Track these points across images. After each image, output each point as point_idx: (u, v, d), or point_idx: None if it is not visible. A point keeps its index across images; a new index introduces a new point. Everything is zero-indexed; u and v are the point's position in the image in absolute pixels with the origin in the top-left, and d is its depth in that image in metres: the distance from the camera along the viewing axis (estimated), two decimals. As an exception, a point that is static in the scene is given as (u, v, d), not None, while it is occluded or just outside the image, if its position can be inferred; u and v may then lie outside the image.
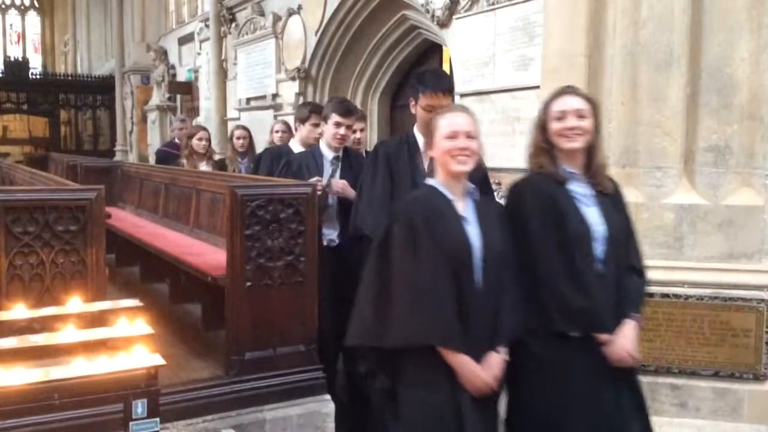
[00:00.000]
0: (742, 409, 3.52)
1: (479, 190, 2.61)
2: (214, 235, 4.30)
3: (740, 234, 3.55)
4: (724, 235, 3.55)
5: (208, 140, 6.10)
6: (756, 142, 3.54)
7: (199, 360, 3.55)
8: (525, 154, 2.70)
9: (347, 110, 4.07)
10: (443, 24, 5.78)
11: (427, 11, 5.96)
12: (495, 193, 4.90)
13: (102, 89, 18.83)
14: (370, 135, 7.63)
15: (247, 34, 9.13)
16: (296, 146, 4.64)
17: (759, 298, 3.49)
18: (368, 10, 7.05)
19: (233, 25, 9.62)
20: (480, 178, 3.40)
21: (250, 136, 6.21)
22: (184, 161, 5.94)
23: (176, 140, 7.18)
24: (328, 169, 4.07)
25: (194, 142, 5.92)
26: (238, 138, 6.15)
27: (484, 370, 2.38)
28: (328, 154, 4.08)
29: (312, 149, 4.25)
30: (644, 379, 3.54)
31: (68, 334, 2.04)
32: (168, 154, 7.09)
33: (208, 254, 4.00)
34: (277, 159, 4.58)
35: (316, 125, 4.44)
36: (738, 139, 3.54)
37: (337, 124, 4.00)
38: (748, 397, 3.51)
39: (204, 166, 6.01)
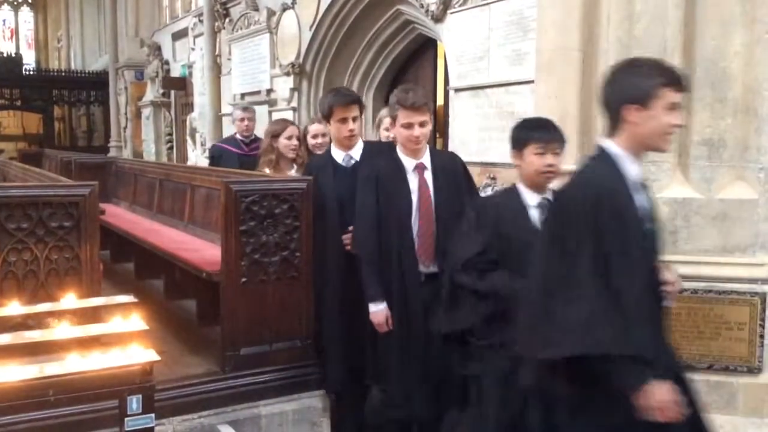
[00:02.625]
0: (737, 402, 3.53)
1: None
2: (209, 231, 4.29)
3: (734, 227, 3.56)
4: (718, 229, 3.56)
5: (299, 138, 4.50)
6: (750, 136, 3.55)
7: (194, 356, 3.55)
8: None
9: (413, 103, 3.18)
10: (438, 19, 5.76)
11: (422, 6, 5.95)
12: (489, 188, 4.92)
13: (96, 85, 18.75)
14: (364, 130, 7.63)
15: (241, 29, 9.10)
16: (337, 152, 3.64)
17: (753, 291, 3.50)
18: (362, 4, 7.03)
19: (227, 20, 9.59)
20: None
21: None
22: (267, 169, 4.35)
23: (237, 136, 5.80)
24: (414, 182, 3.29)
25: (282, 142, 4.36)
26: (315, 136, 4.44)
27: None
28: (408, 164, 3.29)
29: (385, 159, 3.40)
30: (639, 373, 3.57)
31: (63, 330, 2.04)
32: (224, 152, 5.70)
33: (202, 250, 3.99)
34: (345, 174, 3.57)
35: (344, 120, 3.54)
36: (732, 133, 3.54)
37: (409, 125, 3.19)
38: (742, 390, 3.52)
39: (294, 175, 4.40)
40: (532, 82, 4.14)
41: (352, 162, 3.59)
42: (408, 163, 3.28)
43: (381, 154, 3.52)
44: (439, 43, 6.44)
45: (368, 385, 3.52)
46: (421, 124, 3.18)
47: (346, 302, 3.45)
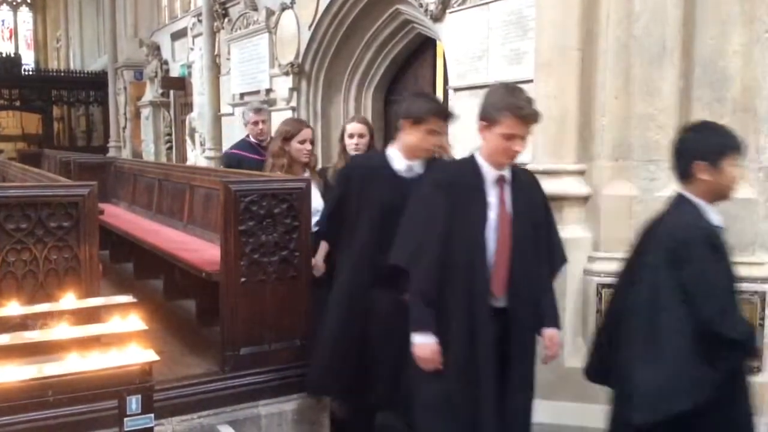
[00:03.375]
0: (736, 400, 3.53)
1: None
2: (209, 231, 4.29)
3: (734, 227, 3.55)
4: (717, 228, 3.56)
5: (312, 142, 4.26)
6: (749, 135, 3.55)
7: (193, 356, 3.55)
8: None
9: (529, 115, 2.74)
10: (437, 18, 5.76)
11: (421, 5, 5.95)
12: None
13: (95, 85, 18.74)
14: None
15: (240, 29, 9.10)
16: (400, 159, 3.19)
17: (753, 291, 3.51)
18: (361, 4, 7.03)
19: (226, 20, 9.59)
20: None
21: (371, 134, 4.28)
22: (278, 172, 4.06)
23: (251, 139, 5.27)
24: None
25: (295, 146, 4.08)
26: (352, 135, 4.18)
27: None
28: (489, 173, 2.80)
29: (458, 164, 3.05)
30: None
31: (62, 330, 2.04)
32: (241, 159, 5.10)
33: (202, 250, 3.99)
34: (399, 184, 3.14)
35: (433, 132, 3.11)
36: (731, 132, 3.55)
37: (511, 136, 2.69)
38: (741, 388, 3.52)
39: None
40: (531, 81, 4.14)
41: (414, 173, 3.16)
42: (489, 172, 2.78)
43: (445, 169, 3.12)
44: (438, 42, 6.44)
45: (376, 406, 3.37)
46: (524, 138, 2.72)
47: (356, 311, 3.25)
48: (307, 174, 4.08)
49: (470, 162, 2.80)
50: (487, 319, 2.70)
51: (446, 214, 2.72)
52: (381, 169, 3.19)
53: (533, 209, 2.83)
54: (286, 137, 4.08)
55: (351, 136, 4.16)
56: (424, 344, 2.72)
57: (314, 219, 4.03)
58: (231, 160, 5.25)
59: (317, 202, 4.05)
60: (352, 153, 4.11)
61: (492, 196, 2.75)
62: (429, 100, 3.22)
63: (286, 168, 4.06)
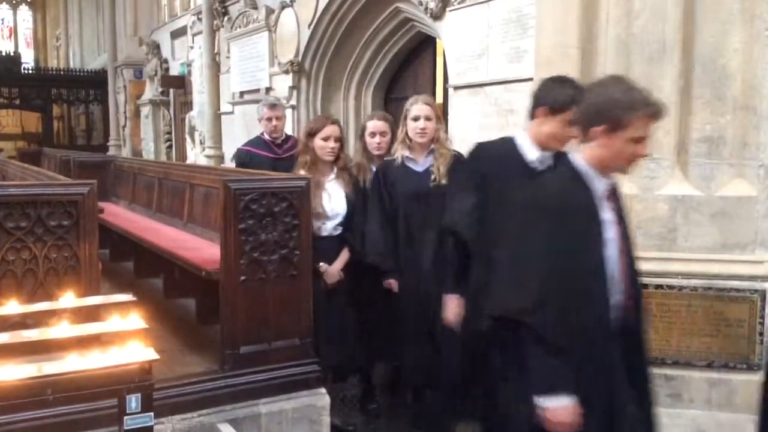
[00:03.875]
0: (736, 399, 3.53)
1: None
2: (208, 230, 4.29)
3: (734, 225, 3.56)
4: (717, 226, 3.56)
5: (340, 140, 3.99)
6: (749, 133, 3.55)
7: (193, 354, 3.55)
8: None
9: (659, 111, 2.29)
10: (437, 16, 5.76)
11: (421, 3, 5.94)
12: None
13: (94, 84, 18.75)
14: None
15: (239, 27, 9.09)
16: (533, 149, 2.91)
17: (752, 289, 3.50)
18: (361, 2, 7.02)
19: (226, 18, 9.58)
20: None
21: (393, 131, 4.05)
22: (302, 171, 3.88)
23: (265, 136, 5.08)
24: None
25: (318, 143, 3.91)
26: (374, 134, 4.08)
27: None
28: (600, 185, 2.35)
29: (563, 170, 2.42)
30: (638, 370, 3.57)
31: (61, 329, 2.03)
32: (253, 157, 4.94)
33: (202, 248, 3.99)
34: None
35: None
36: (731, 130, 3.54)
37: (641, 139, 2.27)
38: (741, 387, 3.52)
39: (332, 182, 3.99)
40: (531, 79, 4.14)
41: (545, 165, 2.87)
42: (599, 183, 2.32)
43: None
44: (438, 40, 6.43)
45: None
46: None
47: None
48: (333, 175, 3.96)
49: (571, 172, 2.34)
50: (620, 357, 2.32)
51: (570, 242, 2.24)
52: (510, 158, 2.90)
53: (627, 223, 2.46)
54: (310, 133, 3.97)
55: (373, 134, 4.05)
56: (561, 408, 2.23)
57: (333, 222, 3.97)
58: (241, 157, 5.08)
59: (338, 204, 3.98)
60: (375, 152, 4.04)
61: (606, 212, 2.34)
62: (570, 87, 2.80)
63: (309, 165, 3.92)
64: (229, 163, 9.34)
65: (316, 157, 3.94)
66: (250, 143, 5.26)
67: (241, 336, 3.30)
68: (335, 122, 4.06)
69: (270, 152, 4.93)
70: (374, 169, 4.01)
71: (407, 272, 3.75)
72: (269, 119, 5.02)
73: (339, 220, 3.90)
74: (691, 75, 3.56)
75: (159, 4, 14.13)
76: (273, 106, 5.12)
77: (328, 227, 3.97)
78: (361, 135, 4.18)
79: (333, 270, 3.91)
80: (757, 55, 3.51)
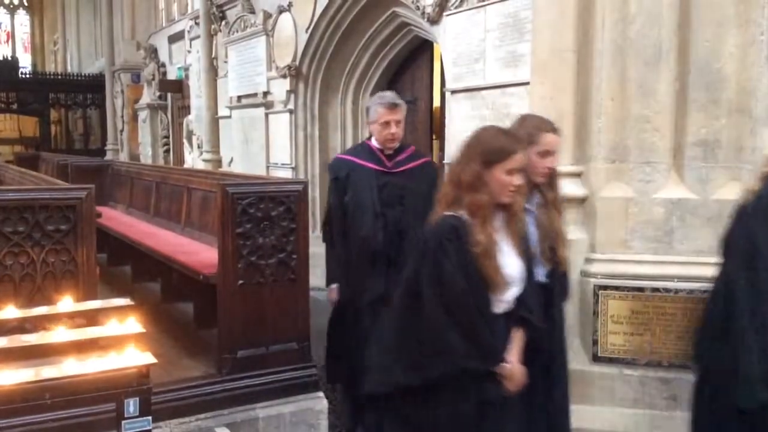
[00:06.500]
0: (733, 401, 3.53)
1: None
2: (206, 234, 4.30)
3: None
4: (713, 229, 3.56)
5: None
6: (744, 136, 3.56)
7: (191, 358, 3.55)
8: None
9: None
10: (434, 21, 5.77)
11: (418, 8, 5.95)
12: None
13: (92, 88, 18.72)
14: (361, 131, 7.63)
15: (237, 31, 9.10)
16: None
17: (749, 292, 3.51)
18: (358, 6, 7.04)
19: (223, 22, 9.59)
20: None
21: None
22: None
23: (373, 142, 3.83)
24: None
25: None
26: (546, 153, 2.85)
27: None
28: None
29: None
30: (635, 373, 3.58)
31: (59, 333, 2.04)
32: (355, 168, 3.78)
33: (199, 253, 4.00)
34: None
35: None
36: (727, 134, 3.56)
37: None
38: (738, 389, 3.53)
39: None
40: (527, 83, 4.14)
41: None
42: None
43: None
44: (435, 45, 6.45)
45: None
46: None
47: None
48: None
49: None
50: None
51: None
52: None
53: None
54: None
55: (545, 153, 2.85)
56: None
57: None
58: (339, 168, 3.86)
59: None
60: (540, 179, 2.85)
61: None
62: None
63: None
64: (226, 167, 9.36)
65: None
66: (351, 151, 4.09)
67: (239, 340, 3.31)
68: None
69: (378, 164, 3.75)
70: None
71: None
72: (386, 123, 3.71)
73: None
74: (686, 79, 3.58)
75: (156, 9, 14.15)
76: (393, 106, 3.75)
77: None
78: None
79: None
80: (752, 60, 3.52)
